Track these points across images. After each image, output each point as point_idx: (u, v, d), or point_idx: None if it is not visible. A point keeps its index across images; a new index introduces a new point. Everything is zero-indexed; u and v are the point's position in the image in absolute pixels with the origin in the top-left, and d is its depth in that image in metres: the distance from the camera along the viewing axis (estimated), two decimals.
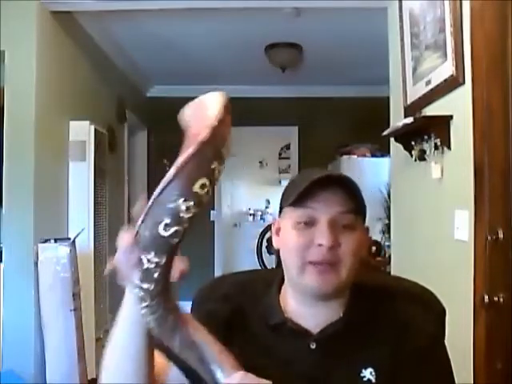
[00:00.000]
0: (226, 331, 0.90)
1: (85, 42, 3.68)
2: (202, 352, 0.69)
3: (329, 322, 0.89)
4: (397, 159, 2.62)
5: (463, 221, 1.79)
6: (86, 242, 3.28)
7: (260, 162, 7.29)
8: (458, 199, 1.85)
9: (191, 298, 1.03)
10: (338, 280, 0.87)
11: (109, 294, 3.68)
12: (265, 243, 3.63)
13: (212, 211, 5.69)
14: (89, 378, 3.00)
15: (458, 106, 1.85)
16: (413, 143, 2.19)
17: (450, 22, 1.85)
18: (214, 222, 5.76)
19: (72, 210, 3.34)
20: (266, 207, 7.13)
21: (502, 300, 1.57)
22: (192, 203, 0.60)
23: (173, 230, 0.61)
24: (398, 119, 2.36)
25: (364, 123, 4.88)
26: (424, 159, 2.14)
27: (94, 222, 3.41)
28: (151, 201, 0.62)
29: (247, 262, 5.38)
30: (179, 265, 0.68)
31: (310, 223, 0.87)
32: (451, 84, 1.87)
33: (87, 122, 3.37)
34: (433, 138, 2.00)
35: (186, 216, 0.61)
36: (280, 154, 7.18)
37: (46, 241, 2.87)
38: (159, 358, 0.83)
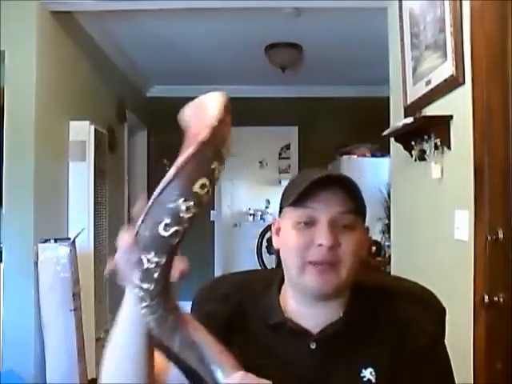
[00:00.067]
0: (226, 332, 0.90)
1: (85, 42, 3.68)
2: (202, 352, 0.69)
3: (329, 322, 0.89)
4: (397, 159, 2.62)
5: (463, 221, 1.79)
6: (86, 242, 3.28)
7: (260, 162, 7.29)
8: (458, 199, 1.85)
9: (191, 298, 1.03)
10: (338, 280, 0.87)
11: (109, 294, 3.68)
12: (265, 243, 3.63)
13: (212, 211, 5.69)
14: (89, 377, 3.00)
15: (458, 106, 1.85)
16: (413, 143, 2.19)
17: (450, 21, 1.85)
18: (213, 221, 5.76)
19: (72, 210, 3.34)
20: (266, 207, 7.13)
21: (501, 300, 1.57)
22: (192, 203, 0.60)
23: (173, 229, 0.61)
24: (398, 119, 2.36)
25: (364, 123, 4.88)
26: (424, 159, 2.14)
27: (94, 222, 3.41)
28: (151, 201, 0.62)
29: (247, 261, 5.38)
30: (179, 265, 0.68)
31: (310, 223, 0.87)
32: (451, 84, 1.87)
33: (87, 122, 3.37)
34: (433, 138, 2.00)
35: (186, 216, 0.61)
36: (280, 154, 7.18)
37: (46, 241, 2.87)
38: (159, 358, 0.83)
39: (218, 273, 5.58)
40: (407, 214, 2.55)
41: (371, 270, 2.72)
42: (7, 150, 2.83)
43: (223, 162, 0.62)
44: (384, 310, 0.91)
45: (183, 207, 0.60)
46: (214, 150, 0.61)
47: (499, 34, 1.62)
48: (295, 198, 0.87)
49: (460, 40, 1.79)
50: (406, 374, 0.86)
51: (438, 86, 1.99)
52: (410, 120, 2.09)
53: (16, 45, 2.84)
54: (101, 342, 3.31)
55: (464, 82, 1.78)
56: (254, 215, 7.17)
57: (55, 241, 2.87)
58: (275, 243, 0.96)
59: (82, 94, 3.60)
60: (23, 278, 2.83)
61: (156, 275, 0.64)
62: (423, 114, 2.10)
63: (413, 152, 2.20)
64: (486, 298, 1.60)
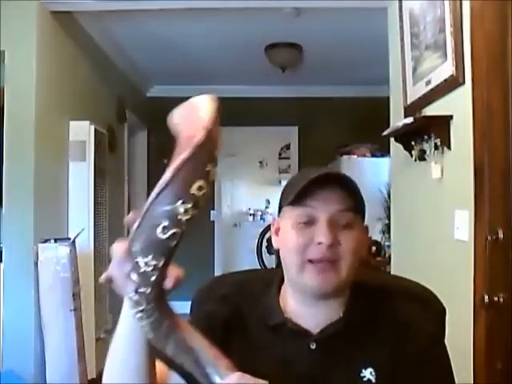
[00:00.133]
0: (225, 332, 0.90)
1: (85, 42, 3.68)
2: (198, 355, 0.68)
3: (329, 322, 0.89)
4: (397, 159, 2.61)
5: (463, 221, 1.79)
6: (86, 242, 3.28)
7: (260, 162, 7.30)
8: (458, 199, 1.85)
9: (191, 298, 1.03)
10: (338, 279, 0.86)
11: (109, 294, 3.67)
12: (265, 243, 3.63)
13: (212, 211, 5.69)
14: (89, 377, 3.00)
15: (458, 106, 1.85)
16: (413, 143, 2.19)
17: (450, 21, 1.85)
18: (213, 222, 5.76)
19: (72, 210, 3.34)
20: (266, 207, 7.13)
21: (501, 300, 1.57)
22: (190, 205, 0.60)
23: (171, 232, 0.61)
24: (398, 119, 2.36)
25: (364, 123, 4.88)
26: (424, 159, 2.14)
27: (94, 222, 3.41)
28: (147, 204, 0.62)
29: (247, 262, 5.38)
30: (174, 272, 0.67)
31: (309, 222, 0.87)
32: (451, 84, 1.87)
33: (87, 122, 3.37)
34: (433, 138, 2.00)
35: (184, 218, 0.61)
36: (280, 154, 7.18)
37: (46, 241, 2.86)
38: (160, 365, 0.82)
39: (217, 273, 5.58)
40: (407, 214, 2.55)
41: (371, 270, 2.72)
42: (7, 150, 2.82)
43: (216, 164, 0.62)
44: (384, 310, 0.91)
45: (181, 209, 0.60)
46: (208, 152, 0.61)
47: (499, 34, 1.62)
48: (294, 196, 0.87)
49: (460, 40, 1.79)
50: (405, 373, 0.86)
51: (438, 86, 1.99)
52: (409, 120, 2.09)
53: (16, 45, 2.84)
54: (101, 342, 3.31)
55: (464, 82, 1.78)
56: (254, 215, 7.17)
57: (55, 241, 2.87)
58: (275, 243, 0.95)
59: (82, 93, 3.60)
60: (23, 278, 2.83)
61: (153, 278, 0.64)
62: (423, 114, 2.10)
63: (413, 152, 2.20)
64: (486, 298, 1.60)
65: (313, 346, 0.88)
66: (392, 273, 2.75)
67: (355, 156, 4.86)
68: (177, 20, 3.60)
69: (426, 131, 2.05)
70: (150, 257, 0.63)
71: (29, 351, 2.83)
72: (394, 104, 2.67)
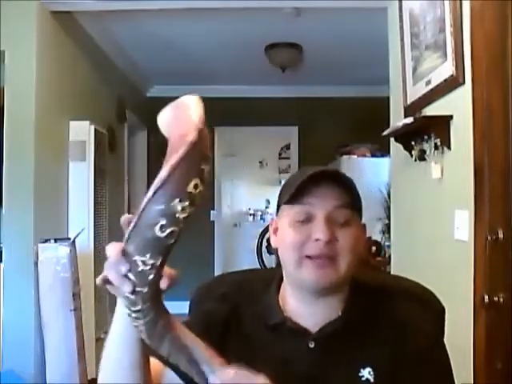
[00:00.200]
0: (224, 331, 0.90)
1: (85, 42, 3.68)
2: (192, 354, 0.69)
3: (327, 321, 0.89)
4: (397, 159, 2.61)
5: (463, 221, 1.79)
6: (86, 242, 3.28)
7: (260, 162, 7.29)
8: (458, 199, 1.85)
9: (190, 297, 1.03)
10: (337, 275, 0.87)
11: (109, 294, 3.65)
12: (265, 243, 3.64)
13: (212, 211, 5.69)
14: (89, 377, 3.00)
15: (458, 106, 1.85)
16: (413, 143, 2.19)
17: (450, 21, 1.85)
18: (213, 222, 5.76)
19: (72, 210, 3.34)
20: (266, 207, 7.13)
21: (502, 300, 1.57)
22: (187, 203, 0.61)
23: (169, 230, 0.61)
24: (398, 119, 2.36)
25: (364, 123, 4.88)
26: (424, 159, 2.14)
27: (94, 222, 3.41)
28: (144, 204, 0.62)
29: (247, 261, 5.38)
30: (169, 272, 0.67)
31: (306, 220, 0.88)
32: (451, 84, 1.87)
33: (87, 122, 3.37)
34: (433, 138, 2.00)
35: (182, 216, 0.61)
36: (280, 154, 7.18)
37: (46, 241, 2.86)
38: (154, 363, 0.82)
39: (217, 273, 5.58)
40: (407, 214, 2.55)
41: (371, 270, 2.73)
42: (7, 150, 2.83)
43: (209, 163, 0.63)
44: (383, 310, 0.91)
45: (179, 207, 0.60)
46: (201, 151, 0.61)
47: (499, 34, 1.62)
48: (291, 194, 0.87)
49: (460, 40, 1.79)
50: (405, 373, 0.86)
51: (438, 86, 1.99)
52: (409, 120, 2.09)
53: (16, 45, 2.84)
54: (101, 342, 3.31)
55: (464, 82, 1.78)
56: (253, 215, 7.17)
57: (55, 241, 2.87)
58: (273, 243, 0.96)
59: (82, 93, 3.60)
60: (23, 278, 2.83)
61: (151, 277, 0.64)
62: (423, 114, 2.10)
63: (413, 152, 2.20)
64: (486, 298, 1.60)
65: (311, 345, 0.89)
66: (392, 273, 2.75)
67: (355, 156, 4.86)
68: (177, 20, 3.60)
69: (426, 131, 2.05)
70: (148, 256, 0.63)
71: (29, 351, 2.83)
72: (394, 104, 2.67)
